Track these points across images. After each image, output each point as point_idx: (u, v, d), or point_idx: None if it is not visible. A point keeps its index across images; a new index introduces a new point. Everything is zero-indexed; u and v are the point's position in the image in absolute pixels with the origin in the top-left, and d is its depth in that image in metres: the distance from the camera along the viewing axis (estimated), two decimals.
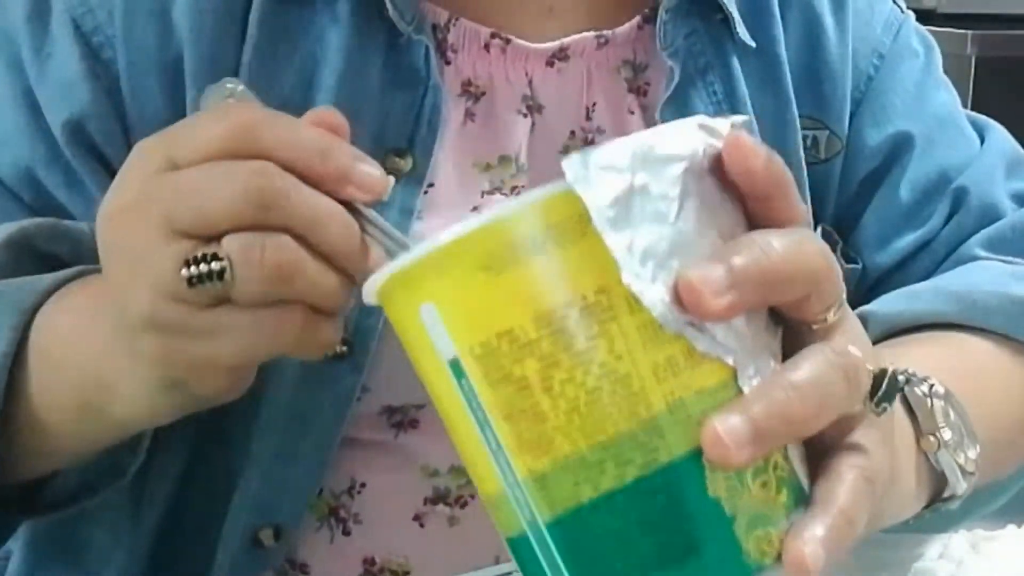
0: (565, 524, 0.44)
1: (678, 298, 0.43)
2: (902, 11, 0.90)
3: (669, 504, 0.43)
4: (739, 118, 0.48)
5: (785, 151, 0.82)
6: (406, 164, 0.72)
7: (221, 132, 0.51)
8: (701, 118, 0.46)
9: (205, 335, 0.53)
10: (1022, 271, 0.81)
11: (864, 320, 0.78)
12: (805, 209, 0.49)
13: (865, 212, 0.86)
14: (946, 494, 0.63)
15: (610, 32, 0.77)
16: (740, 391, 0.44)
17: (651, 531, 0.43)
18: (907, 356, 0.68)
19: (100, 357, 0.58)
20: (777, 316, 0.48)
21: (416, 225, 0.72)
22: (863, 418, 0.50)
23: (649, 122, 0.78)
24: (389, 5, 0.71)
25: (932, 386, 0.63)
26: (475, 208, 0.74)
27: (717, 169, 0.46)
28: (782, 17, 0.82)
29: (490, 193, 0.74)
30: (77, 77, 0.70)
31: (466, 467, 0.47)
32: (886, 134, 0.85)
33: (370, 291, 0.46)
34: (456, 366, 0.44)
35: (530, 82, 0.76)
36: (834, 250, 0.85)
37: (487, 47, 0.75)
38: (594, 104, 0.77)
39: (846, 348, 0.48)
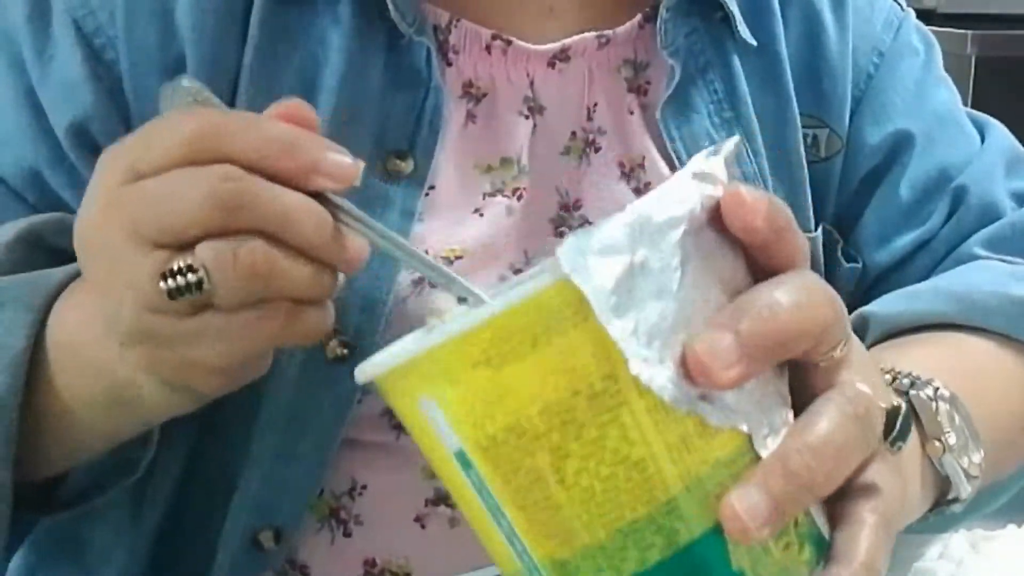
0: None
1: (687, 371, 0.42)
2: (902, 9, 0.90)
3: None
4: (730, 147, 0.46)
5: (785, 149, 0.82)
6: (407, 166, 0.72)
7: (182, 139, 0.51)
8: (695, 164, 0.45)
9: (191, 341, 0.53)
10: (1022, 271, 0.81)
11: (864, 320, 0.78)
12: (806, 242, 0.48)
13: (865, 210, 0.85)
14: (950, 496, 0.63)
15: (611, 32, 0.77)
16: (756, 455, 0.44)
17: None
18: (908, 357, 0.68)
19: (107, 357, 0.58)
20: None
21: (417, 227, 0.72)
22: (877, 455, 0.49)
23: (649, 121, 0.78)
24: (390, 6, 0.71)
25: (937, 389, 0.63)
26: (476, 210, 0.74)
27: (715, 217, 0.45)
28: (782, 15, 0.82)
29: (491, 195, 0.74)
30: (79, 79, 0.70)
31: (484, 546, 0.46)
32: (886, 132, 0.85)
33: (364, 378, 0.45)
34: (463, 457, 0.43)
35: (531, 83, 0.76)
36: (834, 249, 0.85)
37: (488, 48, 0.75)
38: (595, 104, 0.77)
39: (858, 391, 0.47)
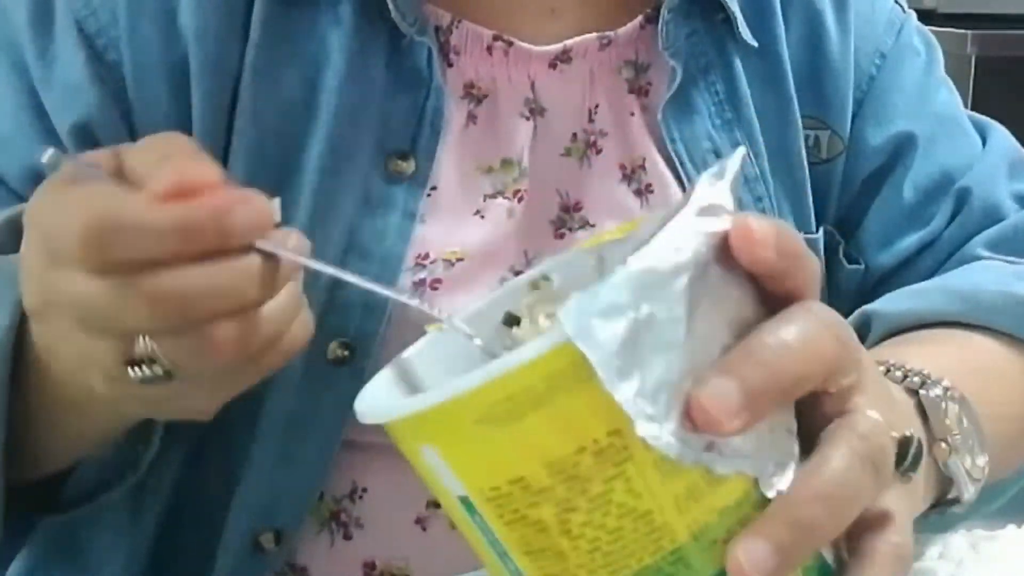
0: None
1: (692, 420, 0.41)
2: (903, 10, 0.90)
3: None
4: (736, 164, 0.45)
5: (787, 151, 0.82)
6: (409, 166, 0.72)
7: (80, 243, 0.47)
8: (700, 197, 0.44)
9: (169, 400, 0.53)
10: None
11: (868, 318, 0.78)
12: (818, 269, 0.47)
13: (868, 212, 0.85)
14: (951, 496, 0.63)
15: (612, 33, 0.77)
16: (763, 497, 0.43)
17: None
18: (913, 355, 0.68)
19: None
20: None
21: (418, 228, 0.72)
22: (888, 483, 0.48)
23: (650, 123, 0.78)
24: (391, 6, 0.71)
25: (948, 389, 0.62)
26: (477, 212, 0.74)
27: (723, 251, 0.43)
28: (784, 17, 0.82)
29: (492, 197, 0.74)
30: (83, 81, 0.70)
31: None
32: (888, 134, 0.85)
33: (366, 419, 0.45)
34: (467, 503, 0.43)
35: (532, 84, 0.76)
36: (836, 251, 0.85)
37: (489, 49, 0.75)
38: (596, 106, 0.77)
39: (869, 425, 0.46)
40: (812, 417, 0.46)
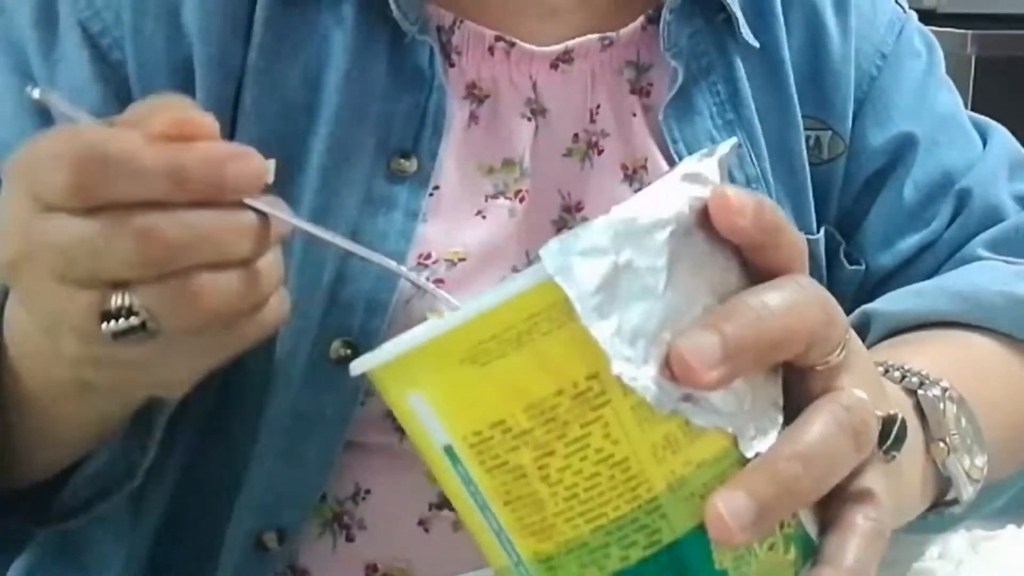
0: None
1: (671, 371, 0.42)
2: (904, 11, 0.90)
3: None
4: (726, 148, 0.46)
5: (787, 151, 0.82)
6: (411, 165, 0.72)
7: (68, 180, 0.46)
8: (686, 166, 0.45)
9: (145, 366, 0.51)
10: None
11: (868, 318, 0.78)
12: (804, 243, 0.47)
13: (869, 213, 0.85)
14: (949, 497, 0.63)
15: (614, 34, 0.77)
16: (743, 457, 0.44)
17: None
18: (912, 355, 0.68)
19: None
20: None
21: (420, 228, 0.72)
22: (873, 460, 0.49)
23: (652, 123, 0.78)
24: (393, 6, 0.71)
25: (946, 390, 0.63)
26: (479, 212, 0.74)
27: (706, 219, 0.45)
28: (785, 17, 0.82)
29: (494, 197, 0.74)
30: (87, 81, 0.70)
31: (475, 540, 0.46)
32: (889, 135, 0.85)
33: (357, 370, 0.46)
34: (450, 452, 0.44)
35: (534, 85, 0.76)
36: (836, 251, 0.85)
37: (491, 50, 0.75)
38: (598, 106, 0.77)
39: (854, 399, 0.47)
40: (799, 396, 0.47)
